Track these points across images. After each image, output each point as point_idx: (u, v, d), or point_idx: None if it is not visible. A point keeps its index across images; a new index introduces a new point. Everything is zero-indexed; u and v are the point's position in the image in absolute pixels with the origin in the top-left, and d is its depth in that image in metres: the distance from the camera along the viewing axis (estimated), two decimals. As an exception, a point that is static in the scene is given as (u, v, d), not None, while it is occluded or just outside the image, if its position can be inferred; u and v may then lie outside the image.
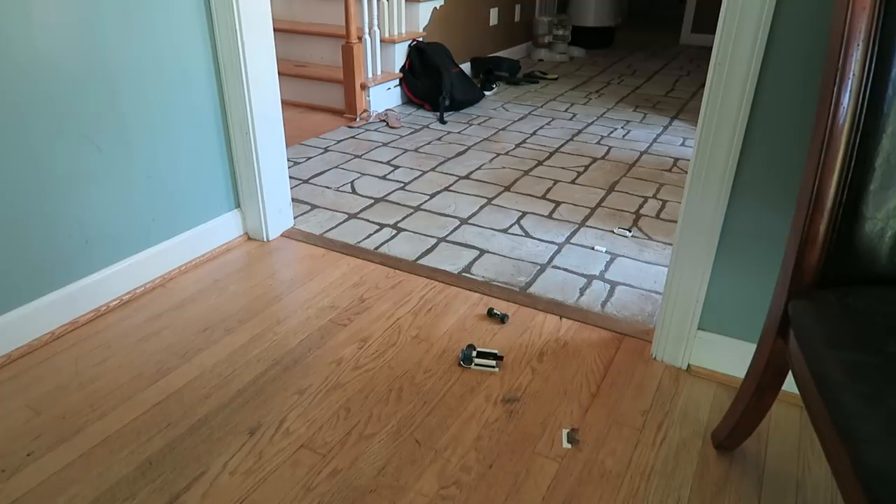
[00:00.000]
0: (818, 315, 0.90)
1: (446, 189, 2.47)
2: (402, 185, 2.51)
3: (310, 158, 2.79)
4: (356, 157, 2.82)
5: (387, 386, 1.41)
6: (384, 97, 3.51)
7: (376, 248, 2.01)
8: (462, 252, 1.99)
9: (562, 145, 2.98)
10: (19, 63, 1.37)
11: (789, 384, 1.05)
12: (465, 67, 4.20)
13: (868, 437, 0.70)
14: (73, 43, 1.46)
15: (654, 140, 3.06)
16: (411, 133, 3.15)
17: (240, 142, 1.91)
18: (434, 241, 2.06)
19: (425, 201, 2.36)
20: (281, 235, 2.08)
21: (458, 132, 3.16)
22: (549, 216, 2.24)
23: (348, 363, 1.48)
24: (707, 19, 5.59)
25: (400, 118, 3.36)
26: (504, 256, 1.97)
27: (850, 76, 0.87)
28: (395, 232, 2.12)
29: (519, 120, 3.37)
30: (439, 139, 3.05)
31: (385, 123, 3.28)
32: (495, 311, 1.66)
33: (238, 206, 2.02)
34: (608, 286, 1.80)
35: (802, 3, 1.10)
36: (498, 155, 2.85)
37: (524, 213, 2.26)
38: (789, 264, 0.97)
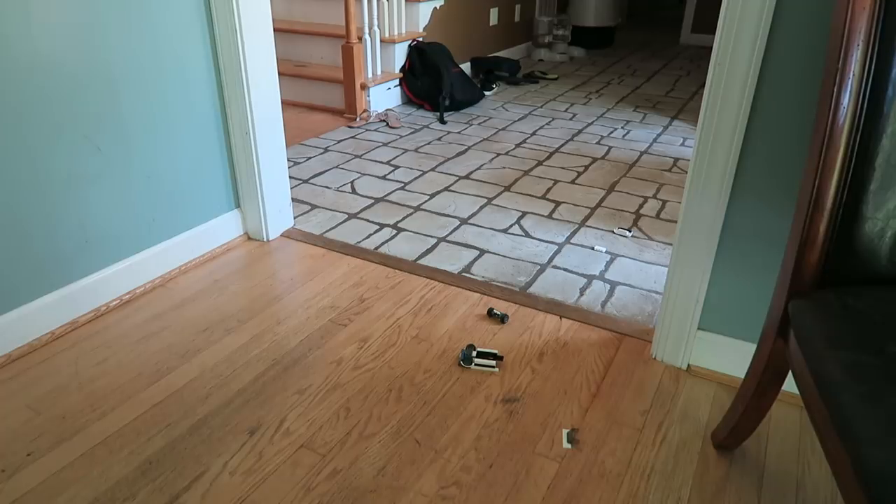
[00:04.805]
0: (818, 315, 0.90)
1: (446, 189, 2.47)
2: (402, 185, 2.51)
3: (310, 158, 2.79)
4: (356, 157, 2.82)
5: (387, 386, 1.41)
6: (384, 97, 3.51)
7: (376, 248, 2.01)
8: (462, 252, 1.99)
9: (562, 145, 2.98)
10: (19, 63, 1.37)
11: (789, 384, 1.05)
12: (465, 67, 4.20)
13: (868, 437, 0.70)
14: (73, 43, 1.46)
15: (654, 140, 3.06)
16: (411, 133, 3.15)
17: (240, 142, 1.91)
18: (434, 241, 2.06)
19: (425, 201, 2.36)
20: (281, 235, 2.08)
21: (458, 132, 3.16)
22: (549, 216, 2.24)
23: (348, 363, 1.48)
24: (707, 19, 5.59)
25: (400, 118, 3.36)
26: (504, 256, 1.97)
27: (850, 76, 0.87)
28: (395, 232, 2.12)
29: (519, 120, 3.37)
30: (439, 139, 3.05)
31: (385, 123, 3.28)
32: (495, 311, 1.66)
33: (238, 206, 2.02)
34: (608, 286, 1.80)
35: (802, 3, 1.10)
36: (498, 155, 2.85)
37: (524, 213, 2.26)
38: (789, 264, 0.97)
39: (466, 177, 2.59)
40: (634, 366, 1.48)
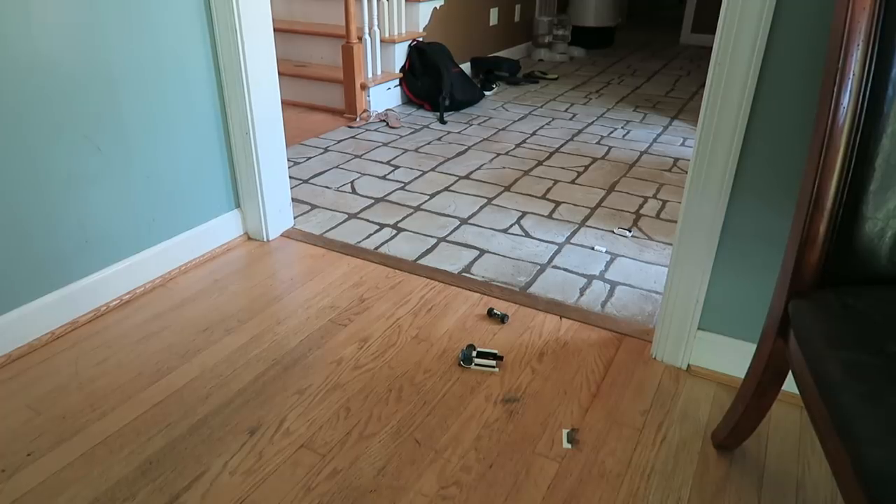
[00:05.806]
0: (818, 315, 0.90)
1: (446, 189, 2.47)
2: (402, 185, 2.51)
3: (310, 158, 2.79)
4: (356, 157, 2.82)
5: (387, 386, 1.41)
6: (384, 97, 3.51)
7: (376, 248, 2.01)
8: (462, 252, 1.99)
9: (562, 145, 2.98)
10: (19, 63, 1.37)
11: (789, 384, 1.05)
12: (465, 67, 4.19)
13: (868, 437, 0.70)
14: (73, 43, 1.46)
15: (654, 140, 3.06)
16: (411, 133, 3.15)
17: (240, 142, 1.91)
18: (434, 241, 2.06)
19: (425, 201, 2.36)
20: (281, 235, 2.08)
21: (458, 132, 3.16)
22: (549, 216, 2.24)
23: (348, 363, 1.48)
24: (707, 19, 5.59)
25: (400, 118, 3.36)
26: (504, 256, 1.97)
27: (850, 76, 0.87)
28: (395, 232, 2.12)
29: (519, 120, 3.37)
30: (439, 139, 3.05)
31: (385, 123, 3.28)
32: (495, 311, 1.66)
33: (238, 206, 2.02)
34: (608, 286, 1.80)
35: (802, 3, 1.10)
36: (498, 155, 2.85)
37: (524, 213, 2.26)
38: (789, 264, 0.97)
39: (466, 177, 2.59)
40: (634, 366, 1.48)
